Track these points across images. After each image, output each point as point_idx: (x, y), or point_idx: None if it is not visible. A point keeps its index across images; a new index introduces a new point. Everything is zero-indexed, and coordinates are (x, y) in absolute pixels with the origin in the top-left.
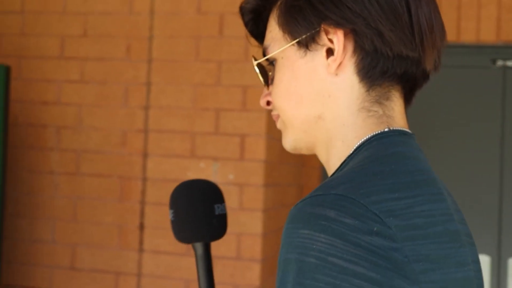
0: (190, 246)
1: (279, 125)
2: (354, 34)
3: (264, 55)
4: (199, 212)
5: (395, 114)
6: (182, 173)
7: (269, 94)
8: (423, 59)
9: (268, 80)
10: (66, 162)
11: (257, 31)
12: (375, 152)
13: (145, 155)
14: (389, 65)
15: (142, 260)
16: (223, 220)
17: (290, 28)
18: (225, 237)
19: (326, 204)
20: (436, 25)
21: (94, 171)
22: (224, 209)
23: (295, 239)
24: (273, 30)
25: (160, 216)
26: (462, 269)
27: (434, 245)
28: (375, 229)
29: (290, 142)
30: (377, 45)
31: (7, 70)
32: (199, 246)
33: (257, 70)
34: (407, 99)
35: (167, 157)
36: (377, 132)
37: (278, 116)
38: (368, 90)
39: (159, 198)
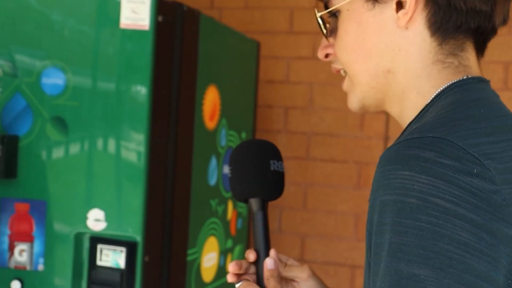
0: None
1: (345, 86)
2: None
3: (326, 6)
4: (254, 165)
5: (471, 64)
6: None
7: (329, 46)
8: (494, 13)
9: (328, 32)
10: (295, 145)
11: None
12: (459, 98)
13: (386, 138)
14: (462, 19)
15: None
16: (279, 178)
17: None
18: None
19: (425, 146)
20: None
21: (326, 155)
22: (281, 167)
23: (393, 180)
24: None
25: None
26: None
27: None
28: (475, 171)
29: (357, 101)
30: None
31: (258, 46)
32: (254, 202)
33: (320, 22)
34: (479, 51)
35: None
36: (456, 80)
37: (338, 70)
38: (440, 44)
39: None
